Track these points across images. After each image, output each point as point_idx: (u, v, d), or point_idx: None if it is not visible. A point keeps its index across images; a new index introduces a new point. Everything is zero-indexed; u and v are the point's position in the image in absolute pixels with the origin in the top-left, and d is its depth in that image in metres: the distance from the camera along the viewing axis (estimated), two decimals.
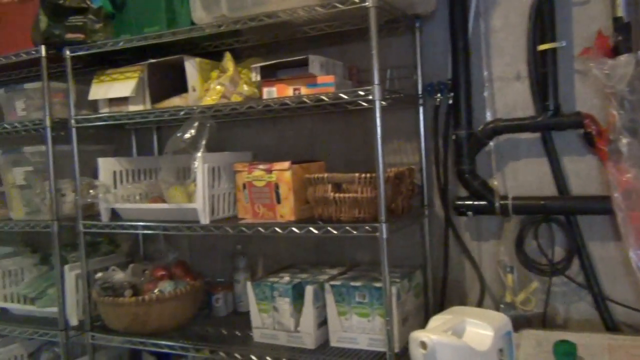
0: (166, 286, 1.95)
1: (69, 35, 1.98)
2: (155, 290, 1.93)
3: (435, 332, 1.24)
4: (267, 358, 1.73)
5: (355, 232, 1.59)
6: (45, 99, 2.03)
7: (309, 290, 1.74)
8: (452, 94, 1.84)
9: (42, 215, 2.17)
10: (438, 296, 1.93)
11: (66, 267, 2.12)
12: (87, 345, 2.06)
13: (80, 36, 1.97)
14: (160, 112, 1.87)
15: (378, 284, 1.68)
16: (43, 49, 2.01)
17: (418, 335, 1.22)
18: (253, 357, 1.75)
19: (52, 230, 2.07)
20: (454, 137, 1.85)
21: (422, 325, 1.80)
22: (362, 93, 1.55)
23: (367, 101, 1.57)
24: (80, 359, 2.20)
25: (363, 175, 1.60)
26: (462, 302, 1.91)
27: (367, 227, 1.57)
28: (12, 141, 2.57)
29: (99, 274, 2.02)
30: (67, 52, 2.00)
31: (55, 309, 2.12)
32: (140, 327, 1.94)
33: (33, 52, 2.04)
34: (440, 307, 1.90)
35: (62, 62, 2.02)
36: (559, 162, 1.77)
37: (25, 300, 2.32)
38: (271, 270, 2.03)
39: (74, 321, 2.12)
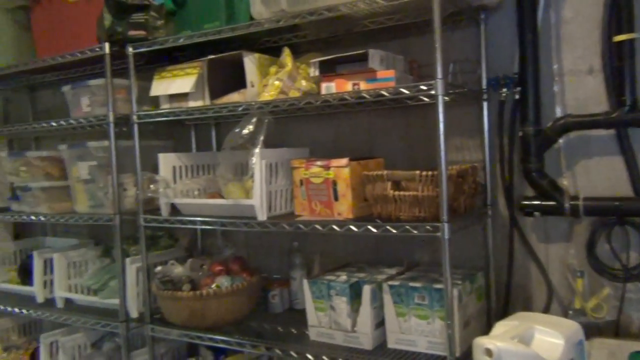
0: (223, 281, 1.95)
1: (132, 33, 2.01)
2: (213, 285, 1.94)
3: (501, 339, 1.18)
4: (324, 357, 1.70)
5: (415, 232, 1.54)
6: (109, 95, 2.08)
7: (367, 290, 1.71)
8: (518, 89, 1.76)
9: (105, 209, 2.22)
10: (501, 300, 1.85)
11: (127, 260, 2.16)
12: (147, 337, 2.10)
13: (142, 33, 2.00)
14: (218, 108, 1.88)
15: (438, 285, 1.62)
16: (107, 46, 2.05)
17: (483, 341, 1.16)
18: (309, 356, 1.72)
19: (114, 223, 2.12)
20: (520, 134, 1.76)
21: (484, 330, 1.74)
22: (424, 88, 1.49)
23: (429, 96, 1.51)
24: (140, 350, 2.25)
25: (424, 172, 1.55)
26: (527, 307, 1.82)
27: (427, 227, 1.51)
28: (77, 136, 2.65)
29: (159, 268, 2.05)
30: (130, 49, 2.03)
31: (116, 301, 2.17)
32: (198, 321, 1.95)
33: (97, 49, 2.08)
34: (503, 312, 1.82)
35: (125, 59, 2.05)
36: (635, 161, 1.66)
37: (88, 292, 2.39)
38: (328, 269, 2.01)
39: (134, 313, 2.16)
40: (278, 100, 1.75)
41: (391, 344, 1.72)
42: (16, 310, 2.48)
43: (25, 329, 2.86)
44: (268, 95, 1.79)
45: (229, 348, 1.93)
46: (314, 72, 1.73)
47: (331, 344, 1.77)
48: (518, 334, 1.23)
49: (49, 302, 2.46)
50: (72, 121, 2.24)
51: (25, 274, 2.57)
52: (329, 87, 1.70)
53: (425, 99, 1.58)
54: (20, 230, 3.03)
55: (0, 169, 2.78)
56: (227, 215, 1.91)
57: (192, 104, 1.97)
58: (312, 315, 1.82)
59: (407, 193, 1.58)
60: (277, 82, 1.78)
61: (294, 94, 1.77)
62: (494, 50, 1.82)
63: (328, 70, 1.74)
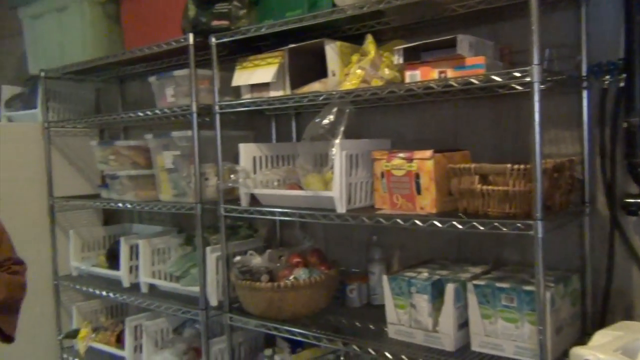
0: (301, 273, 1.93)
1: (215, 23, 2.02)
2: (291, 277, 1.92)
3: (603, 350, 1.07)
4: (402, 357, 1.64)
5: (504, 229, 1.43)
6: (192, 85, 2.10)
7: (450, 289, 1.62)
8: (624, 76, 1.60)
9: (187, 198, 2.26)
10: (598, 306, 1.70)
11: (208, 248, 2.19)
12: (225, 325, 2.12)
13: (225, 23, 2.00)
14: (299, 98, 1.85)
15: (529, 287, 1.51)
16: (191, 36, 2.07)
17: (582, 352, 1.06)
18: (387, 354, 1.67)
19: (196, 212, 2.15)
20: (624, 125, 1.60)
21: (579, 337, 1.61)
22: (517, 75, 1.39)
23: (524, 84, 1.40)
24: (220, 337, 2.28)
25: (516, 166, 1.44)
26: (628, 315, 1.66)
27: (519, 224, 1.41)
28: (163, 126, 2.72)
29: (237, 258, 2.06)
30: (213, 40, 2.04)
31: (197, 289, 2.20)
32: (275, 312, 1.94)
33: (182, 40, 2.11)
34: (601, 319, 1.67)
35: (208, 50, 2.07)
36: None
37: (171, 278, 2.45)
38: (408, 264, 1.93)
39: (213, 301, 2.19)
40: (360, 89, 1.70)
41: (475, 347, 1.62)
42: (104, 293, 2.59)
43: (113, 311, 2.98)
44: (349, 84, 1.73)
45: (305, 341, 1.90)
46: (397, 60, 1.66)
47: (411, 343, 1.70)
48: (622, 345, 1.11)
49: (134, 287, 2.54)
50: (157, 111, 2.29)
51: (113, 259, 2.67)
52: (414, 76, 1.62)
53: (519, 87, 1.47)
54: (110, 216, 3.16)
55: (92, 157, 2.91)
56: (306, 207, 1.88)
57: (272, 93, 1.95)
58: (391, 312, 1.76)
59: (496, 188, 1.48)
60: (359, 71, 1.72)
61: (377, 82, 1.71)
62: (596, 34, 1.67)
63: (413, 57, 1.66)
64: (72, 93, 3.03)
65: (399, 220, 1.63)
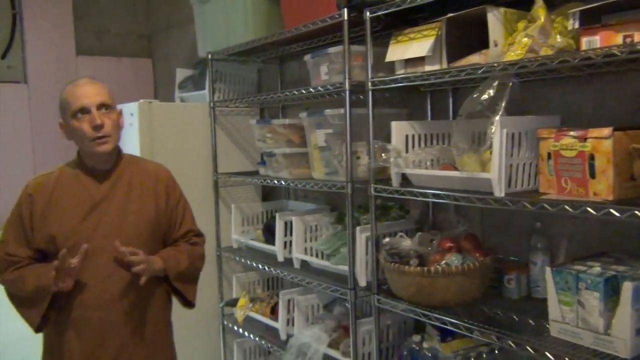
0: (453, 259, 1.82)
1: None
2: (442, 263, 1.83)
3: None
4: (566, 359, 1.47)
5: None
6: (345, 62, 2.07)
7: (628, 287, 1.41)
8: None
9: (339, 177, 2.24)
10: None
11: (358, 228, 2.16)
12: (373, 307, 2.08)
13: None
14: (456, 72, 1.72)
15: None
16: (345, 12, 2.04)
17: None
18: (548, 354, 1.51)
19: (346, 191, 2.13)
20: None
21: None
22: None
23: None
24: (368, 318, 2.25)
25: None
26: None
27: None
28: (319, 105, 2.74)
29: (387, 239, 2.00)
30: (367, 14, 1.98)
31: (346, 268, 2.19)
32: (425, 298, 1.86)
33: (336, 16, 2.09)
34: None
35: (362, 26, 2.01)
36: None
37: (321, 256, 2.47)
38: (577, 257, 1.72)
39: (362, 281, 2.16)
40: (526, 59, 1.52)
41: None
42: (260, 266, 2.70)
43: (269, 284, 3.11)
44: (514, 54, 1.57)
45: (456, 331, 1.80)
46: (573, 24, 1.46)
47: (576, 345, 1.52)
48: None
49: (288, 262, 2.61)
50: (311, 89, 2.30)
51: (269, 234, 2.77)
52: (592, 42, 1.41)
53: None
54: (268, 193, 3.29)
55: (253, 135, 3.04)
56: (461, 189, 1.76)
57: (428, 68, 1.85)
58: (554, 309, 1.58)
59: None
60: (525, 39, 1.55)
61: (546, 51, 1.52)
62: None
63: (591, 21, 1.44)
64: (237, 74, 3.19)
65: (567, 207, 1.45)
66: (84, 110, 1.72)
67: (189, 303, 1.94)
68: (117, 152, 1.85)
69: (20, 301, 1.75)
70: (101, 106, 1.73)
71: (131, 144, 2.83)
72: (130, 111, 2.88)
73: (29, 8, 4.01)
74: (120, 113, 1.83)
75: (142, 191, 1.83)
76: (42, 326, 1.74)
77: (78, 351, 1.72)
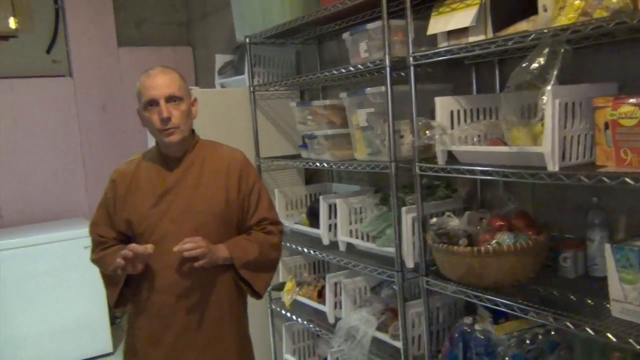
0: (505, 238, 1.75)
1: None
2: (492, 242, 1.76)
3: None
4: (630, 340, 1.39)
5: None
6: (385, 37, 2.00)
7: None
8: None
9: (382, 157, 2.19)
10: None
11: (403, 209, 2.11)
12: (422, 289, 2.03)
13: None
14: (502, 41, 1.63)
15: None
16: None
17: None
18: (610, 336, 1.43)
19: (390, 171, 2.07)
20: None
21: None
22: None
23: None
24: (417, 300, 2.20)
25: None
26: None
27: None
28: (359, 84, 2.68)
29: (434, 219, 1.94)
30: None
31: (392, 249, 2.14)
32: (475, 279, 1.80)
33: None
34: None
35: None
36: None
37: (367, 238, 2.43)
38: (638, 232, 1.63)
39: (409, 263, 2.11)
40: (579, 23, 1.43)
41: None
42: (306, 250, 2.68)
43: (315, 267, 3.09)
44: (565, 19, 1.47)
45: (509, 312, 1.73)
46: None
47: None
48: None
49: (334, 245, 2.58)
50: (351, 68, 2.24)
51: (313, 217, 2.74)
52: None
53: None
54: (311, 175, 3.27)
55: (293, 118, 3.01)
56: (511, 165, 1.68)
57: (472, 39, 1.76)
58: (615, 288, 1.49)
59: None
60: (577, 2, 1.45)
61: (601, 14, 1.42)
62: None
63: None
64: (275, 57, 3.15)
65: (627, 180, 1.36)
66: (153, 102, 1.74)
67: (256, 294, 1.91)
68: (192, 139, 1.86)
69: (104, 279, 1.87)
70: (170, 98, 1.75)
71: None
72: None
73: (70, 2, 4.08)
74: (194, 101, 1.85)
75: (213, 178, 1.83)
76: (118, 304, 1.84)
77: (145, 331, 1.80)
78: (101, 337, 3.70)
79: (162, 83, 1.75)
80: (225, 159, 1.88)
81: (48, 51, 4.07)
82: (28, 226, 3.86)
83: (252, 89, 2.99)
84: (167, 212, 1.79)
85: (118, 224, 1.84)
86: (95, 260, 1.87)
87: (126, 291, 1.81)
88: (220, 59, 3.53)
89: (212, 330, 1.80)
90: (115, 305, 1.84)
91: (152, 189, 1.81)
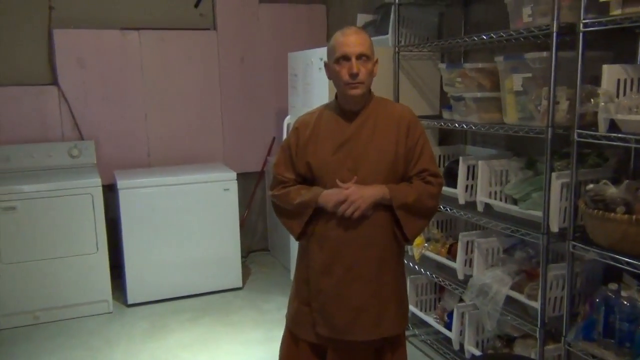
0: None
1: None
2: None
3: None
4: None
5: None
6: (555, 1, 2.01)
7: None
8: None
9: (534, 122, 2.22)
10: None
11: (553, 174, 2.15)
12: (567, 253, 2.08)
13: None
14: None
15: None
16: None
17: None
18: None
19: (546, 137, 2.11)
20: None
21: None
22: None
23: None
24: (556, 264, 2.26)
25: None
26: None
27: None
28: (509, 48, 2.69)
29: (590, 186, 1.97)
30: None
31: (537, 213, 2.20)
32: (629, 246, 1.83)
33: None
34: None
35: None
36: None
37: (507, 200, 2.49)
38: None
39: (554, 227, 2.16)
40: None
41: None
42: (441, 207, 2.78)
43: (444, 225, 3.19)
44: None
45: None
46: None
47: None
48: None
49: (469, 205, 2.67)
50: (512, 32, 2.27)
51: (449, 177, 2.83)
52: None
53: None
54: (443, 137, 3.33)
55: (432, 79, 3.06)
56: None
57: None
58: None
59: None
60: None
61: None
62: None
63: None
64: (418, 18, 3.21)
65: None
66: (346, 58, 1.92)
67: (406, 238, 2.05)
68: (368, 95, 2.03)
69: (285, 213, 2.07)
70: (360, 56, 1.92)
71: (320, 87, 3.00)
72: (319, 56, 3.04)
73: None
74: (376, 62, 2.00)
75: (385, 132, 1.99)
76: (301, 236, 2.05)
77: (319, 261, 2.00)
78: (233, 272, 4.03)
79: (355, 41, 1.91)
80: (396, 115, 2.01)
81: (196, 5, 4.35)
82: (172, 167, 4.23)
83: (397, 49, 3.07)
84: (344, 160, 1.96)
85: (299, 166, 2.03)
86: (276, 196, 2.08)
87: (307, 224, 2.02)
88: (362, 19, 3.63)
89: (374, 266, 1.98)
90: (299, 237, 2.06)
91: (332, 138, 1.99)
